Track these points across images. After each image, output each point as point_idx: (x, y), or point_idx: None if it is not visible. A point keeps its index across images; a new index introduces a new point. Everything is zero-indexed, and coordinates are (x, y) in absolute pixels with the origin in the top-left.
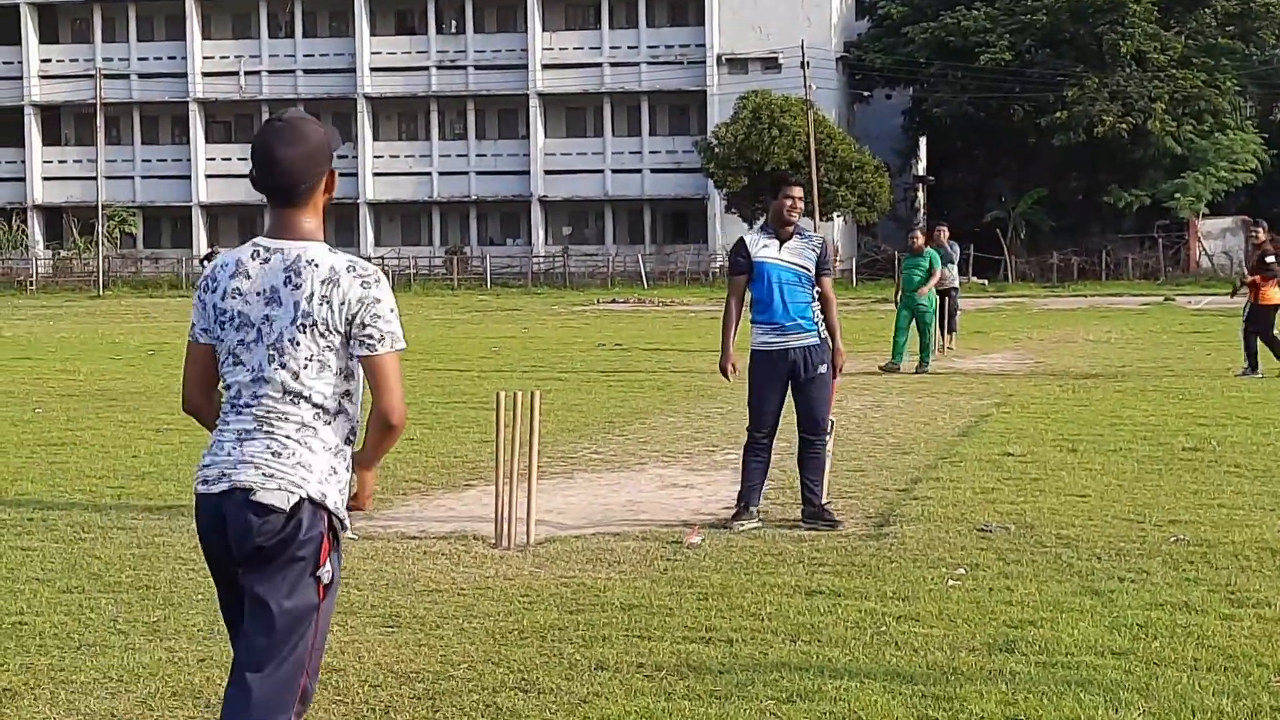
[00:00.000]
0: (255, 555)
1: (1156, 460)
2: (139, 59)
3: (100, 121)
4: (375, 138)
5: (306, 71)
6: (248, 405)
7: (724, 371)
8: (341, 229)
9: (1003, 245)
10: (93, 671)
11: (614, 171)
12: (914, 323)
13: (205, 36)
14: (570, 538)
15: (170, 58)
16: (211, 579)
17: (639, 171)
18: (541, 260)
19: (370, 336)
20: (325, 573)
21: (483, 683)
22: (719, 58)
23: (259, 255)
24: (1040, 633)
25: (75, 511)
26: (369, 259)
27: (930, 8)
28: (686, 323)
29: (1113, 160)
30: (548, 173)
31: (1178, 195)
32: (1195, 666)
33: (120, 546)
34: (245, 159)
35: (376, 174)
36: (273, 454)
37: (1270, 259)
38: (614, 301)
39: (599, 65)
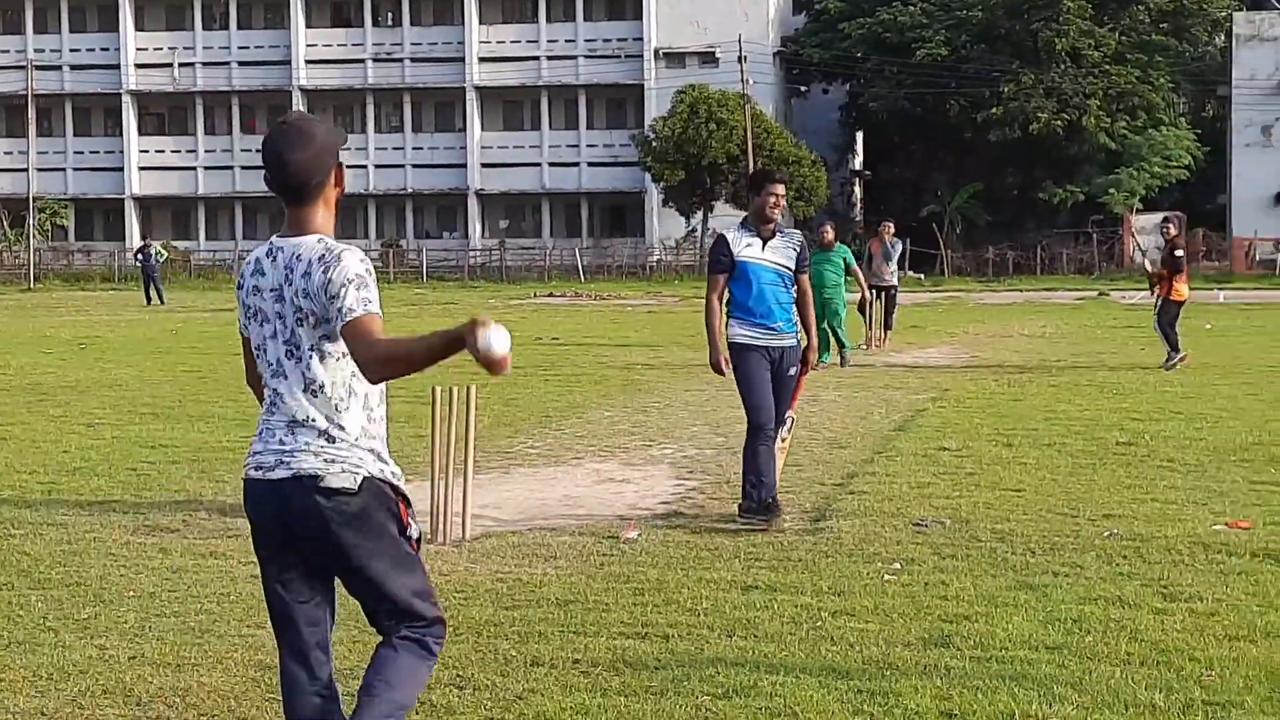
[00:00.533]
0: (331, 534)
1: (1091, 455)
2: (71, 50)
3: (31, 113)
4: None
5: (241, 64)
6: (281, 397)
7: (717, 368)
8: (277, 221)
9: (939, 240)
10: (22, 670)
11: (551, 165)
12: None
13: (138, 28)
14: (506, 533)
15: (103, 49)
16: (258, 561)
17: (576, 165)
18: (478, 254)
19: (340, 310)
20: (414, 530)
21: None
22: (656, 52)
23: (272, 254)
24: (975, 627)
25: (4, 508)
26: None
27: (867, 3)
28: (624, 317)
29: (1048, 156)
30: (484, 166)
31: (1112, 191)
32: (1128, 661)
33: (50, 543)
34: (179, 151)
35: None
36: (327, 440)
37: (1179, 253)
38: (551, 295)
39: (536, 59)
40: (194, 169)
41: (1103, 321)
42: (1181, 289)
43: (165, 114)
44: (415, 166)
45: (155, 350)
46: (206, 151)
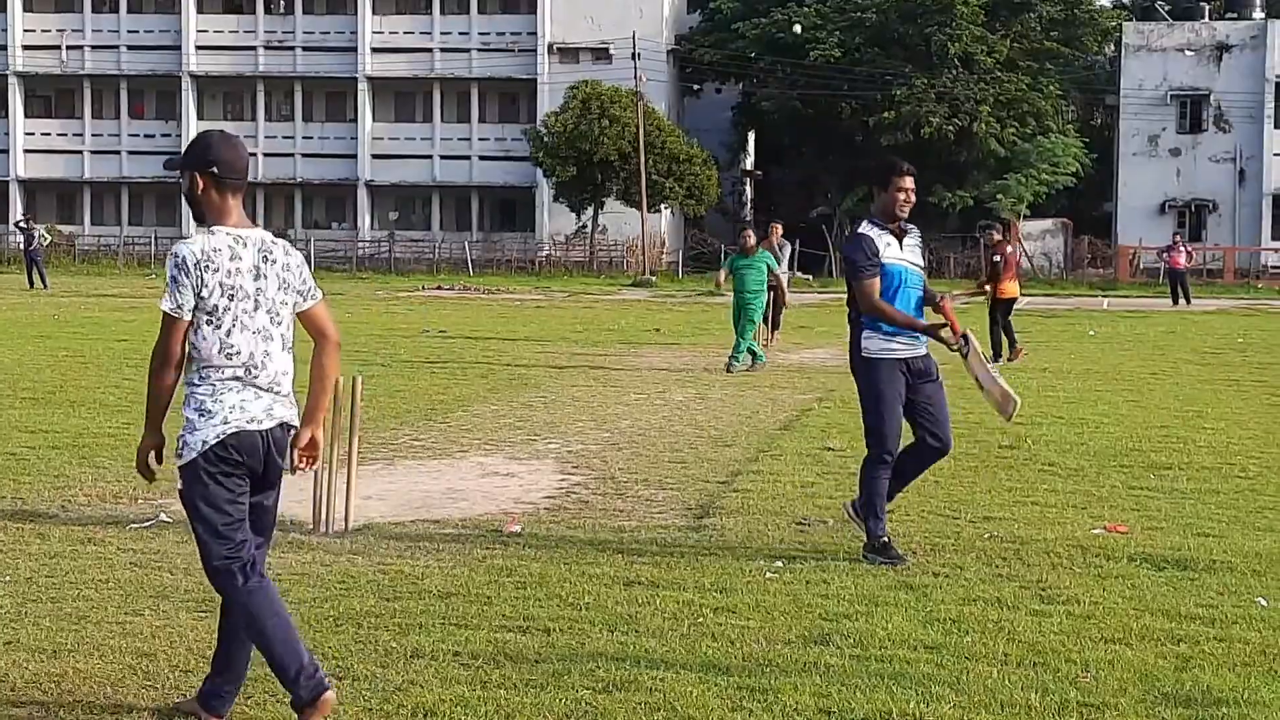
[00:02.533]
0: (279, 474)
1: (973, 458)
2: None
3: None
4: (199, 117)
5: (130, 48)
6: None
7: (945, 339)
8: (162, 208)
9: (828, 241)
10: None
11: (442, 158)
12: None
13: (26, 9)
14: (389, 525)
15: None
16: (227, 496)
17: (468, 159)
18: (367, 245)
19: (310, 290)
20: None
21: None
22: (550, 47)
23: (241, 240)
24: (855, 626)
25: None
26: (183, 238)
27: (761, 4)
28: (512, 311)
29: (938, 160)
30: (375, 157)
31: (1000, 196)
32: (1006, 661)
33: None
34: (65, 134)
35: None
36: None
37: (997, 258)
38: (439, 288)
39: (429, 51)
40: (80, 153)
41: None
42: (1008, 288)
43: (52, 96)
44: (305, 156)
45: (37, 335)
46: (93, 135)
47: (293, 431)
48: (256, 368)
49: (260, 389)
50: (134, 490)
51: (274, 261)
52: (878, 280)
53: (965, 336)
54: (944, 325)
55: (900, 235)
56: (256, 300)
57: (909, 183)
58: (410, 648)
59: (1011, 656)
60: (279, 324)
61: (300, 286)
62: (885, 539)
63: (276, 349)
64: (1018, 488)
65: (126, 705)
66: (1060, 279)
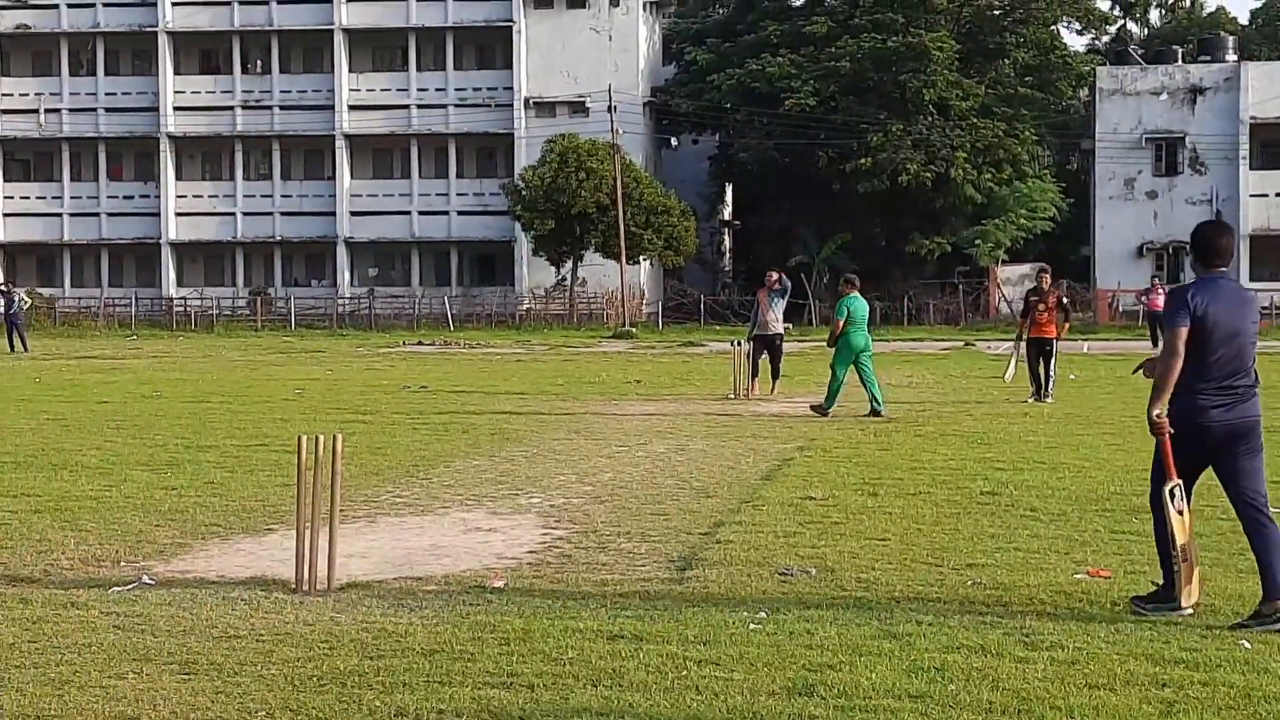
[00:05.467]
0: None
1: (955, 504)
2: None
3: None
4: (178, 177)
5: (108, 110)
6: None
7: None
8: (143, 269)
9: (807, 290)
10: None
11: (421, 213)
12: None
13: (4, 74)
14: (372, 582)
15: None
16: None
17: (446, 214)
18: (347, 302)
19: None
20: None
21: None
22: (526, 101)
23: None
24: (839, 676)
25: None
26: (170, 300)
27: (736, 55)
28: (493, 366)
29: (915, 207)
30: (354, 214)
31: (978, 242)
32: (990, 709)
33: None
34: (44, 197)
35: (179, 214)
36: None
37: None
38: (420, 344)
39: (406, 107)
40: (59, 215)
41: (968, 371)
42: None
43: (30, 160)
44: (284, 214)
45: (18, 398)
46: (72, 198)
47: None
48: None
49: None
50: (116, 554)
51: None
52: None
53: None
54: None
55: None
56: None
57: None
58: (395, 706)
59: (996, 704)
60: None
61: None
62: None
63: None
64: (1000, 533)
65: None
66: None
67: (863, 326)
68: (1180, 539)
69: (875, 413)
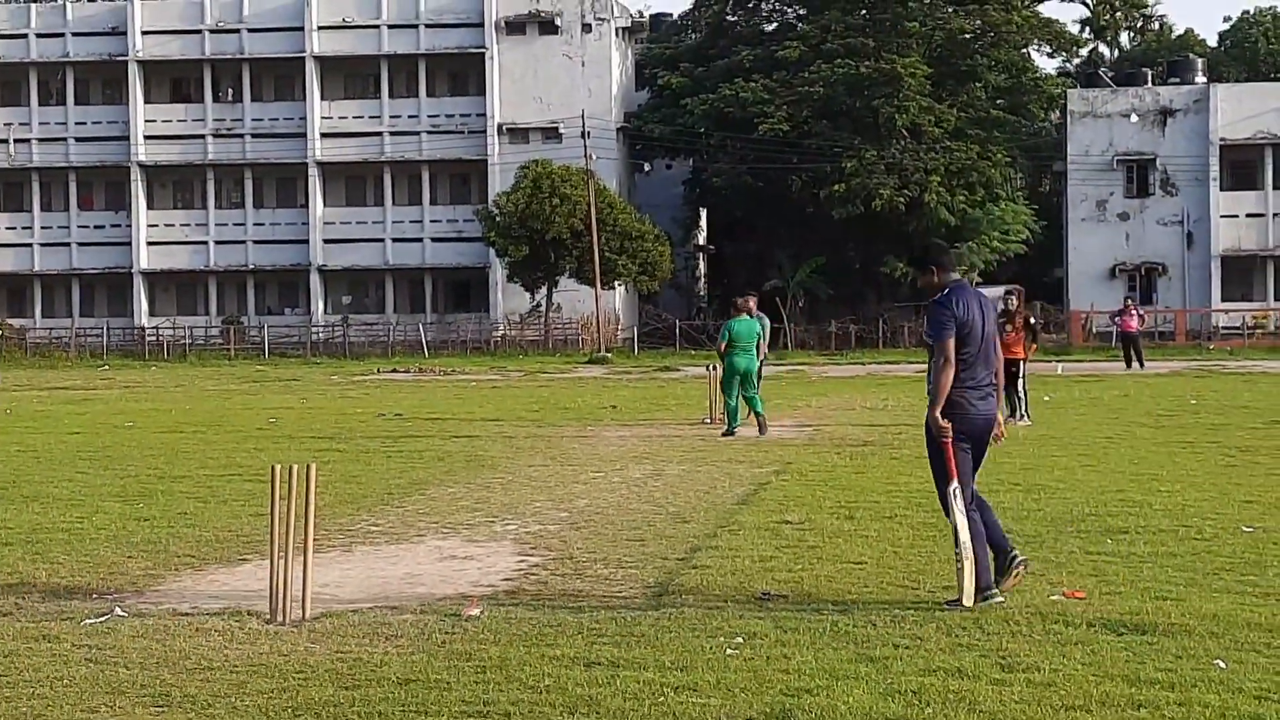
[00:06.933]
0: None
1: (931, 527)
2: None
3: None
4: (150, 206)
5: (79, 139)
6: None
7: None
8: (114, 299)
9: (782, 314)
10: None
11: (394, 240)
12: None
13: None
14: (347, 612)
15: None
16: None
17: (420, 240)
18: (321, 330)
19: None
20: None
21: None
22: (500, 127)
23: None
24: (816, 700)
25: None
26: (142, 329)
27: (709, 79)
28: (468, 392)
29: (889, 230)
30: (327, 241)
31: None
32: None
33: None
34: (14, 227)
35: (151, 243)
36: None
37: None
38: (395, 371)
39: (379, 134)
40: (30, 245)
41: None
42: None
43: (0, 190)
44: (256, 243)
45: None
46: (43, 228)
47: None
48: None
49: None
50: (88, 585)
51: None
52: None
53: None
54: None
55: None
56: None
57: None
58: None
59: None
60: None
61: None
62: None
63: None
64: None
65: None
66: None
67: (748, 348)
68: (964, 537)
69: (730, 432)
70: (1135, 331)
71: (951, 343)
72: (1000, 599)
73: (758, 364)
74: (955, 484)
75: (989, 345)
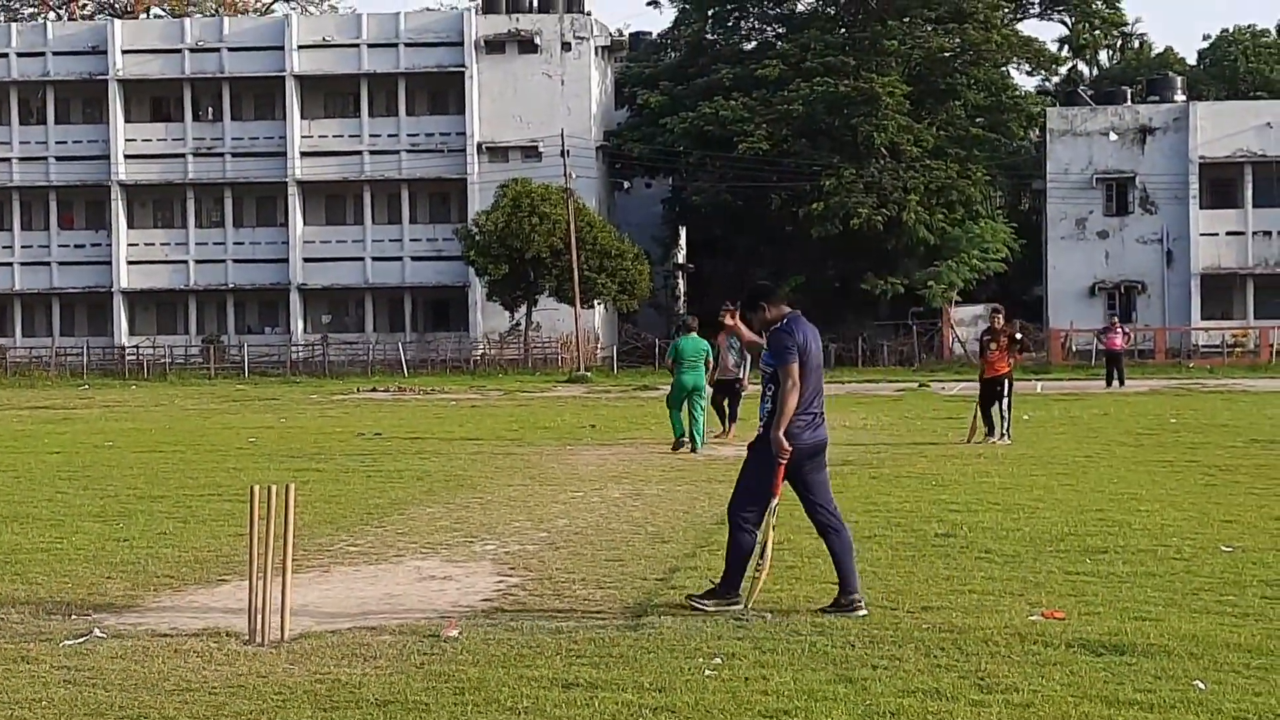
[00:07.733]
0: None
1: (910, 546)
2: None
3: None
4: (130, 225)
5: (59, 159)
6: None
7: None
8: (95, 318)
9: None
10: None
11: (374, 259)
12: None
13: None
14: (325, 632)
15: None
16: None
17: (399, 259)
18: (300, 349)
19: None
20: None
21: None
22: (479, 146)
23: None
24: None
25: None
26: (123, 349)
27: (689, 98)
28: (447, 412)
29: (869, 249)
30: (307, 260)
31: (931, 283)
32: None
33: None
34: None
35: (131, 262)
36: None
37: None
38: (374, 390)
39: (358, 153)
40: (10, 265)
41: (923, 413)
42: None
43: None
44: (236, 261)
45: None
46: (23, 247)
47: None
48: None
49: None
50: (67, 606)
51: None
52: None
53: None
54: None
55: None
56: None
57: None
58: None
59: None
60: None
61: None
62: None
63: None
64: (955, 576)
65: None
66: None
67: (695, 365)
68: (769, 549)
69: (692, 449)
70: (1120, 350)
71: (796, 366)
72: (740, 607)
73: (704, 383)
74: (776, 501)
75: (820, 374)
